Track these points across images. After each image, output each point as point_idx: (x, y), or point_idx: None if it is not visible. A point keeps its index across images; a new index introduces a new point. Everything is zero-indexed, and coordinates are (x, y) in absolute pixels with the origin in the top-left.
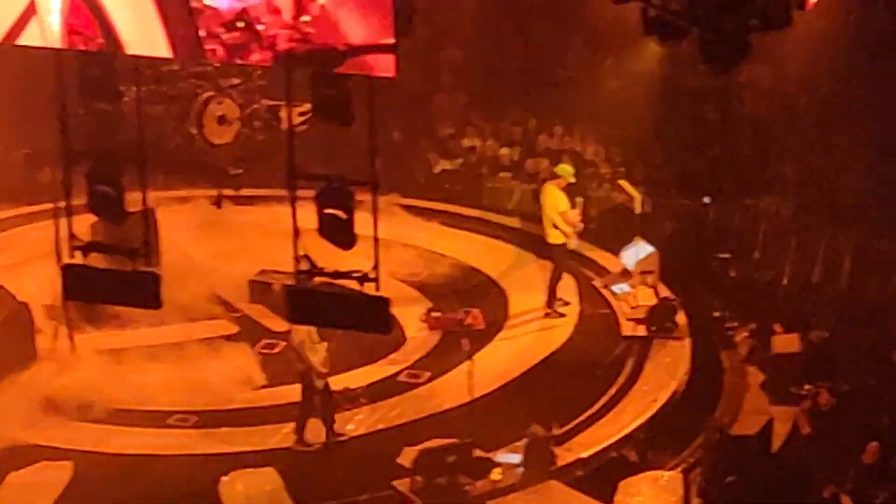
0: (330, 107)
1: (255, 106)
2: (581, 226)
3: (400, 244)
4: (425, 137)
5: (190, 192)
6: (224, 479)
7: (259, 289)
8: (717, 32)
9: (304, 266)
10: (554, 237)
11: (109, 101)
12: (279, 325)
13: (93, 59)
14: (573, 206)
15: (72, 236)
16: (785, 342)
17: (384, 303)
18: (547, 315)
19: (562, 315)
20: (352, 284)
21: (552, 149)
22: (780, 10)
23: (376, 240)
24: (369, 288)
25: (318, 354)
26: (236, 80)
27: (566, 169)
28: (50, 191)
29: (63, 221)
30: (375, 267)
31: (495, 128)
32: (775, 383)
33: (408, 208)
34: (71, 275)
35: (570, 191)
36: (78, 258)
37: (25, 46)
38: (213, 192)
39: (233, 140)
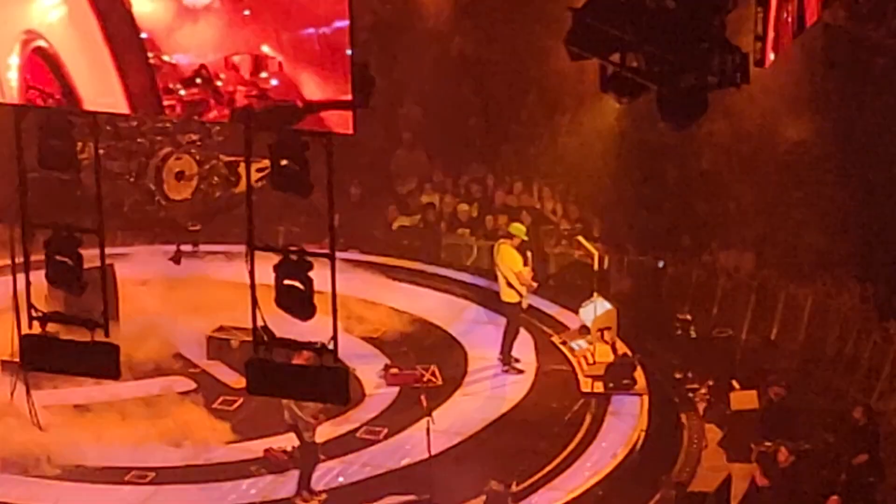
0: (288, 178)
1: (214, 162)
2: (534, 284)
3: (357, 300)
4: (384, 193)
5: (148, 248)
6: None
7: (217, 345)
8: (675, 89)
9: (263, 337)
10: (508, 296)
11: (68, 172)
12: (238, 381)
13: (51, 130)
14: (526, 263)
15: (30, 306)
16: (743, 399)
17: (343, 374)
18: (505, 371)
19: (520, 371)
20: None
21: (510, 205)
22: (738, 68)
23: (335, 311)
24: (328, 359)
25: (309, 407)
26: (195, 136)
27: (519, 228)
28: (6, 246)
29: (20, 277)
30: (334, 338)
31: (454, 184)
32: (733, 440)
33: (366, 264)
34: (29, 345)
35: (522, 248)
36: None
37: None
38: (172, 248)
39: (191, 196)
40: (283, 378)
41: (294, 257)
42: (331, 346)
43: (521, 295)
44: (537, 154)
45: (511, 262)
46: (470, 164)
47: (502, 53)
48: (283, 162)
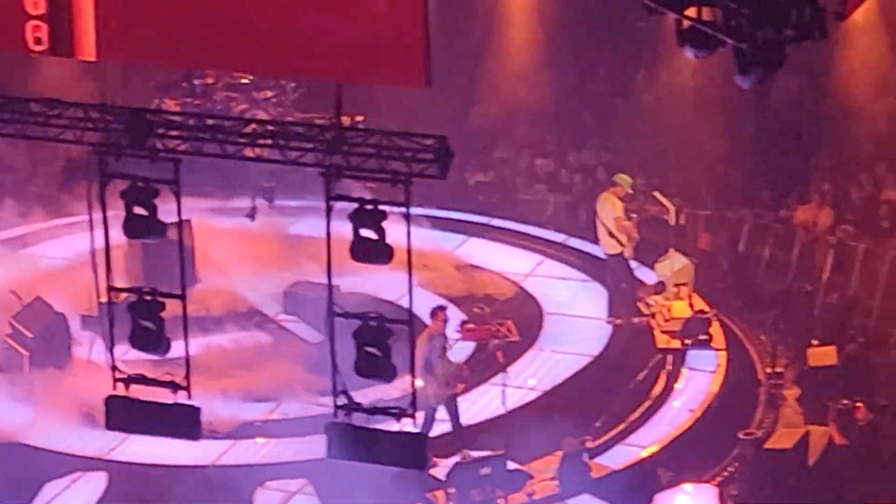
0: (369, 248)
1: (289, 118)
2: (637, 236)
3: (434, 256)
4: (459, 149)
5: (223, 204)
6: (259, 489)
7: (293, 300)
8: (752, 43)
9: (343, 401)
10: (609, 246)
11: (153, 238)
12: (313, 335)
13: (135, 198)
14: (629, 217)
15: (114, 368)
16: (821, 355)
17: (422, 439)
18: (609, 323)
19: (643, 315)
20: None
21: (586, 162)
22: (816, 22)
23: (413, 375)
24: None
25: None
26: (270, 93)
27: (624, 178)
28: (85, 203)
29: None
30: (413, 403)
31: (529, 139)
32: (812, 397)
33: (441, 220)
34: (114, 407)
35: (625, 204)
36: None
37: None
38: (247, 204)
39: (266, 152)
40: (362, 442)
41: (373, 324)
42: (410, 412)
43: (622, 245)
44: (613, 109)
45: (612, 209)
46: (545, 119)
47: (578, 9)
48: (364, 232)
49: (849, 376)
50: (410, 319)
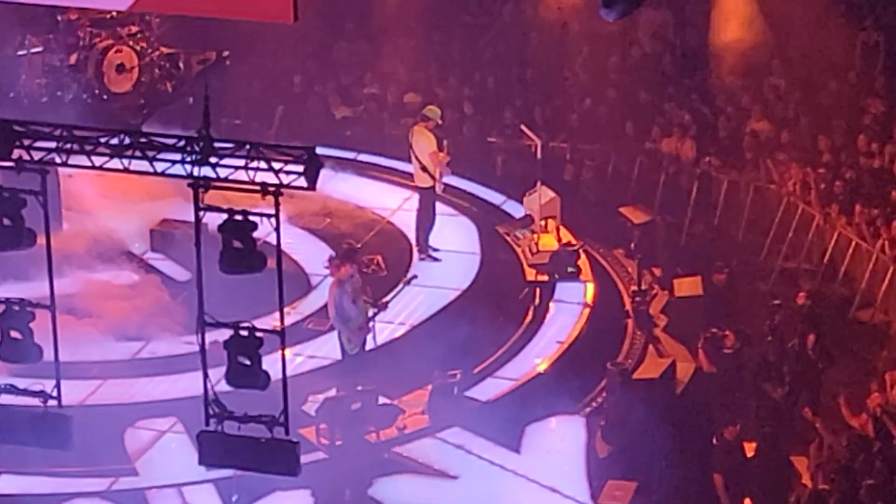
0: (238, 257)
1: (155, 54)
2: (448, 169)
3: (302, 192)
4: (326, 84)
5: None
6: (129, 429)
7: (161, 237)
8: None
9: (215, 409)
10: (422, 180)
11: (21, 248)
12: (181, 274)
13: (2, 209)
14: (441, 148)
15: None
16: (687, 285)
17: (293, 447)
18: (422, 259)
19: (436, 259)
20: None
21: (453, 95)
22: None
23: (285, 385)
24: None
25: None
26: (135, 28)
27: (434, 110)
28: None
29: None
30: (284, 411)
31: (397, 74)
32: (678, 327)
33: None
34: None
35: (437, 132)
36: None
37: None
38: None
39: (132, 88)
40: (235, 450)
41: (244, 333)
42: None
43: (434, 179)
44: (480, 43)
45: (426, 145)
46: (413, 53)
47: None
48: (234, 242)
49: (714, 306)
50: (282, 332)
